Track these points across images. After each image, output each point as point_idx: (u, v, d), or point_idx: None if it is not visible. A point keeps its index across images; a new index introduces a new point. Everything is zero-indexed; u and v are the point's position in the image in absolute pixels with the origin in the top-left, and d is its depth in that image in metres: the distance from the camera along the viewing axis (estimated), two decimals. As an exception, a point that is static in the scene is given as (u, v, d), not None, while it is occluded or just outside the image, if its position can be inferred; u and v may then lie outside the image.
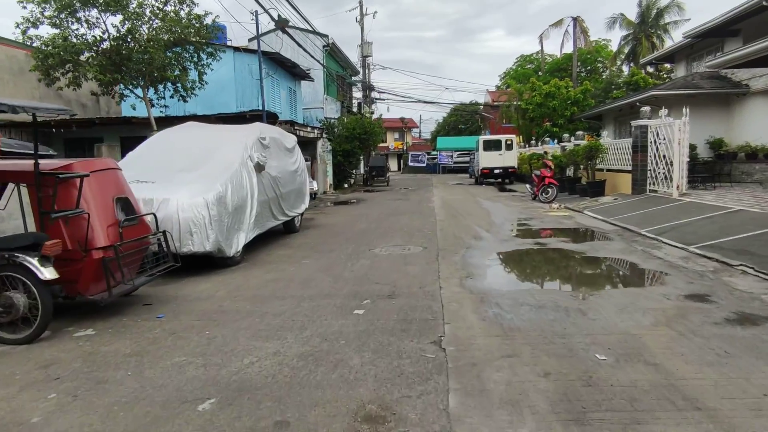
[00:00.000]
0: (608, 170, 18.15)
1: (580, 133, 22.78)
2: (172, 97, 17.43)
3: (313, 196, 20.78)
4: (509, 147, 28.88)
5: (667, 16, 45.98)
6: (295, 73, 26.16)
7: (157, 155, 8.91)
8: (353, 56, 40.23)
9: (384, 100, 42.93)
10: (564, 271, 7.64)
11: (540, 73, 60.03)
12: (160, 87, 16.88)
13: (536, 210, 15.47)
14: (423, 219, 13.80)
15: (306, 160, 21.42)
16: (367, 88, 41.71)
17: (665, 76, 42.44)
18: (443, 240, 10.17)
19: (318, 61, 28.28)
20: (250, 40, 28.70)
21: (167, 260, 6.28)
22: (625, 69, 49.77)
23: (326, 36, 31.03)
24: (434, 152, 58.10)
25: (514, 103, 39.37)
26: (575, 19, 46.96)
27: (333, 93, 32.89)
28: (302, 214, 12.50)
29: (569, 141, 23.76)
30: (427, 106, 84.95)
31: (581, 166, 19.23)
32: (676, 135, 13.17)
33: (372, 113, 41.12)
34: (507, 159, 28.71)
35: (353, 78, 41.13)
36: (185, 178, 7.95)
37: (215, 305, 6.00)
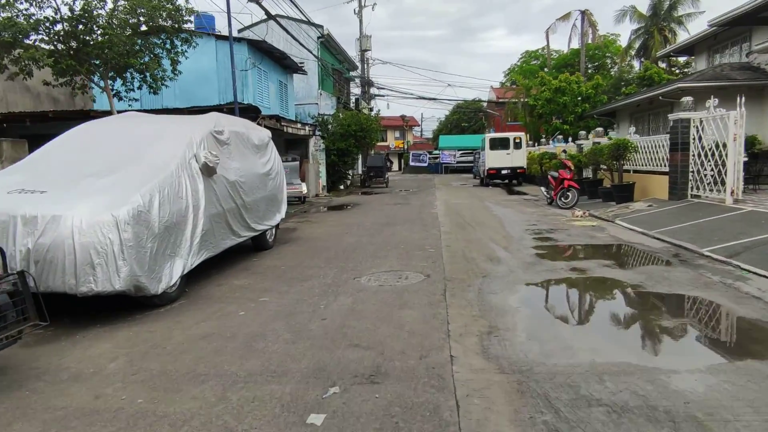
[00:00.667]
0: (635, 171, 15.84)
1: (599, 129, 20.46)
2: (140, 88, 15.22)
3: (303, 200, 18.50)
4: (518, 146, 26.55)
5: (681, 9, 43.47)
6: (285, 65, 23.86)
7: (66, 155, 6.60)
8: (351, 51, 37.90)
9: (384, 96, 40.58)
10: (631, 323, 5.31)
11: (546, 70, 57.73)
12: (128, 77, 14.72)
13: (557, 218, 13.16)
14: (425, 230, 11.50)
15: (293, 159, 19.20)
16: (366, 83, 39.40)
17: (678, 72, 40.07)
18: (451, 263, 7.86)
19: (311, 53, 25.96)
20: (240, 31, 26.43)
21: (27, 316, 3.98)
22: (636, 64, 47.48)
23: (321, 26, 28.73)
24: (436, 151, 55.76)
25: (521, 99, 37.06)
26: (583, 13, 44.59)
27: (329, 88, 30.58)
28: (278, 226, 10.21)
29: (585, 138, 21.43)
30: (429, 104, 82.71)
31: (602, 167, 16.92)
32: (731, 130, 10.83)
33: (371, 109, 38.83)
34: (515, 158, 26.38)
35: (351, 73, 38.82)
36: (92, 187, 5.65)
37: (89, 395, 3.69)
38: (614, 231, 10.81)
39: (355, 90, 39.77)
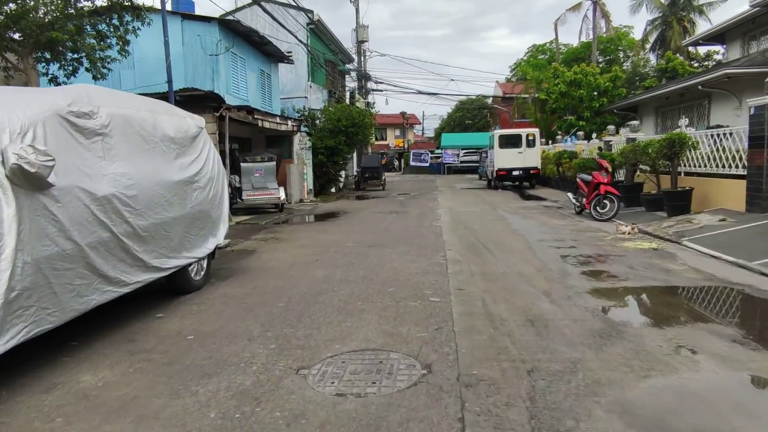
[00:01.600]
0: (687, 174, 12.65)
1: (634, 123, 17.27)
2: (88, 70, 12.36)
3: (281, 207, 15.35)
4: (531, 143, 23.35)
5: (702, -3, 40.17)
6: (268, 52, 20.71)
7: None
8: (347, 44, 34.72)
9: (382, 91, 37.36)
10: None
11: (554, 64, 54.44)
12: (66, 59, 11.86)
13: (597, 235, 9.99)
14: (424, 256, 8.32)
15: (269, 159, 16.05)
16: (363, 77, 36.24)
17: (697, 65, 36.82)
18: (467, 333, 4.66)
19: (297, 38, 22.78)
20: (223, 16, 23.27)
21: None
22: (652, 58, 44.26)
23: (311, 11, 25.57)
24: (438, 151, 52.55)
25: (532, 94, 33.82)
26: (595, 3, 41.33)
27: (320, 80, 27.42)
28: (213, 255, 7.05)
29: (614, 134, 18.22)
30: (431, 100, 79.31)
31: (643, 168, 13.73)
32: None
33: (368, 104, 35.66)
34: (528, 158, 23.19)
35: (347, 66, 35.67)
36: None
37: None
38: (690, 259, 7.62)
39: (352, 85, 36.60)
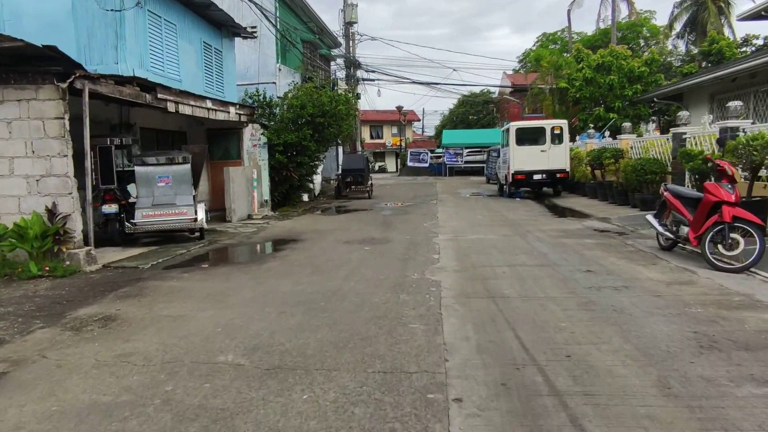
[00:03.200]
0: None
1: (736, 104, 11.78)
2: None
3: (200, 233, 10.00)
4: (558, 139, 17.91)
5: (743, -29, 34.19)
6: (215, 20, 15.31)
7: None
8: (334, 27, 29.32)
9: (374, 80, 31.88)
10: None
11: (567, 55, 49.11)
12: None
13: (748, 311, 4.58)
14: (405, 403, 2.97)
15: (181, 161, 10.38)
16: (352, 64, 30.81)
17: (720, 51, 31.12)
18: None
19: (261, 9, 17.39)
20: None
21: None
22: (681, 44, 38.72)
23: (280, -24, 20.21)
24: (439, 150, 47.10)
25: (549, 84, 28.35)
26: (617, -18, 35.82)
27: (292, 62, 22.01)
28: None
29: (683, 124, 12.77)
30: (432, 92, 73.60)
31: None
32: None
33: (349, 90, 30.20)
34: (554, 157, 17.75)
35: (332, 51, 30.25)
36: None
37: None
38: None
39: (341, 75, 31.15)
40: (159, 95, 9.90)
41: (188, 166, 10.07)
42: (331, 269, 7.36)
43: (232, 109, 13.45)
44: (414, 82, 34.01)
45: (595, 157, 16.22)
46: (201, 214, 9.96)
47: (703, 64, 29.37)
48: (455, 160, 36.00)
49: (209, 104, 12.17)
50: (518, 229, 10.75)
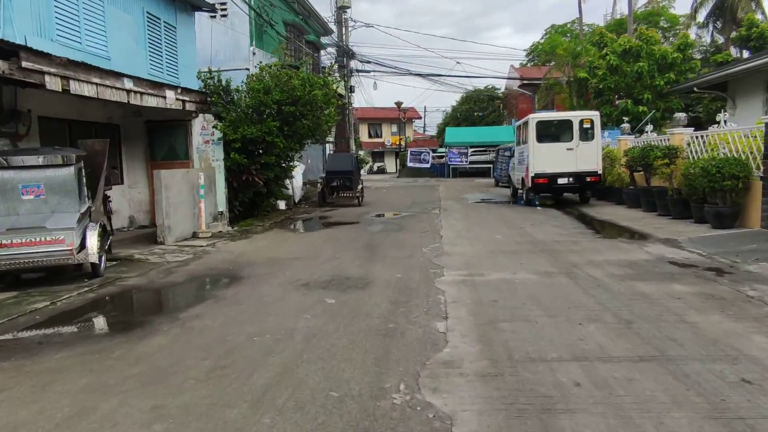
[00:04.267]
0: None
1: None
2: None
3: (93, 270, 6.61)
4: (587, 134, 14.46)
5: (778, -50, 30.67)
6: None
7: None
8: (325, 13, 25.93)
9: (369, 72, 28.45)
10: None
11: (579, 48, 45.71)
12: None
13: None
14: None
15: (62, 163, 6.61)
16: (345, 53, 27.42)
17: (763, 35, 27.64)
18: None
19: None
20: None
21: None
22: (705, 35, 35.24)
23: (254, -58, 16.83)
24: (441, 149, 43.66)
25: (568, 75, 24.82)
26: (636, -35, 32.31)
27: (271, 46, 18.61)
28: None
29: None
30: (433, 86, 69.80)
31: None
32: None
33: (342, 79, 26.81)
34: (584, 157, 14.31)
35: (322, 39, 26.85)
36: None
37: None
38: None
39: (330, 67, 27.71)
40: (25, 63, 6.52)
41: (71, 171, 6.67)
42: (246, 365, 3.95)
43: (170, 94, 10.06)
44: (414, 74, 30.46)
45: (637, 156, 12.78)
46: (91, 242, 6.56)
47: (736, 53, 25.95)
48: (459, 160, 32.57)
49: (128, 84, 8.77)
50: (559, 260, 7.35)
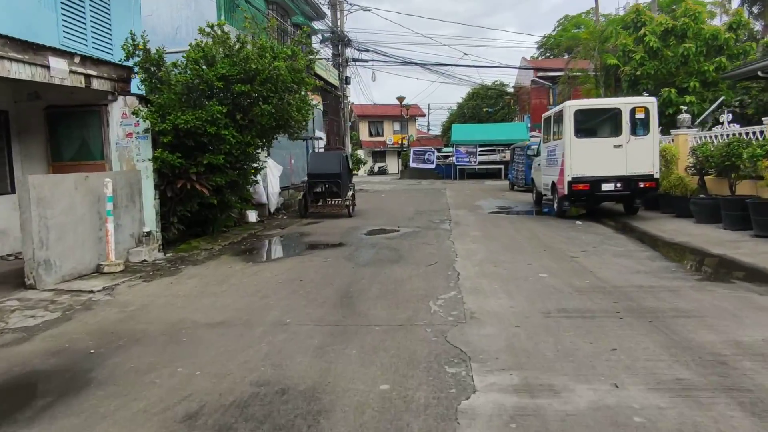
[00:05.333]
0: None
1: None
2: None
3: None
4: (641, 126, 11.07)
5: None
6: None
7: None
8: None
9: (367, 62, 25.04)
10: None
11: (608, 30, 42.25)
12: None
13: None
14: None
15: None
16: (339, 39, 24.08)
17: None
18: None
19: None
20: None
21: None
22: (745, 13, 31.79)
23: None
24: (446, 149, 40.25)
25: (596, 62, 21.38)
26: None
27: (242, 19, 15.24)
28: None
29: None
30: (439, 78, 66.29)
31: None
32: None
33: (344, 79, 23.62)
34: (636, 157, 10.91)
35: (314, 24, 23.51)
36: None
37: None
38: None
39: (328, 54, 24.33)
40: None
41: None
42: None
43: (57, 61, 6.74)
44: (417, 64, 27.07)
45: (716, 155, 9.41)
46: None
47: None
48: (467, 160, 29.18)
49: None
50: (675, 338, 4.01)
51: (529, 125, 30.95)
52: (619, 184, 11.01)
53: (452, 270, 6.77)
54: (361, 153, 46.17)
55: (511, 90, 43.39)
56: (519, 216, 12.87)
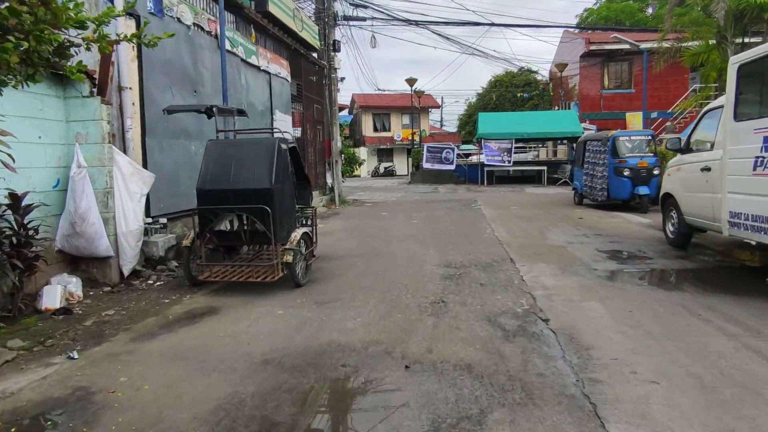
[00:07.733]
0: None
1: None
2: None
3: None
4: None
5: None
6: None
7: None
8: None
9: (365, 20, 17.32)
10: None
11: (651, 11, 34.25)
12: None
13: None
14: None
15: None
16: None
17: None
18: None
19: None
20: None
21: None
22: None
23: None
24: (465, 146, 32.50)
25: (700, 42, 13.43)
26: None
27: None
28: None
29: None
30: (466, 51, 57.47)
31: None
32: None
33: (332, 43, 16.19)
34: None
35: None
36: None
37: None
38: None
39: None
40: None
41: None
42: None
43: None
44: (431, 23, 19.48)
45: None
46: None
47: None
48: (500, 159, 21.49)
49: None
50: None
51: (578, 114, 23.27)
52: None
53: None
54: (363, 150, 38.59)
55: (540, 78, 35.63)
56: (679, 289, 5.25)
